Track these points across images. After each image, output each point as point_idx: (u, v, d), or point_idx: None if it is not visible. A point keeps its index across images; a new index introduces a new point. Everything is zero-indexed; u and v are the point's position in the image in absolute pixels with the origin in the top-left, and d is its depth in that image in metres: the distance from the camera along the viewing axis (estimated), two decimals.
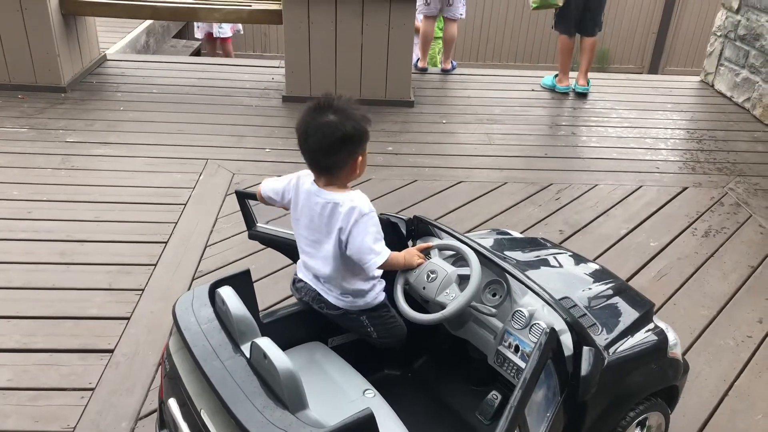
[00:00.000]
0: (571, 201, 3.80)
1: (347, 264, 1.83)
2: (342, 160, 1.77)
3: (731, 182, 4.13)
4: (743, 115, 5.28)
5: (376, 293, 1.91)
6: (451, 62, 5.99)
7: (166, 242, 3.18)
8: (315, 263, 1.89)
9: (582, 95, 5.50)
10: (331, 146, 1.73)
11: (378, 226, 1.78)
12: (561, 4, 5.19)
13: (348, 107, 1.76)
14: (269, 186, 1.96)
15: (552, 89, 5.59)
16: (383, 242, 1.80)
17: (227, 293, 1.63)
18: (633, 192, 3.94)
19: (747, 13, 5.40)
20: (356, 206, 1.75)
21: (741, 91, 5.46)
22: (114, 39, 6.73)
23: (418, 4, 5.33)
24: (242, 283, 1.83)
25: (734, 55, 5.58)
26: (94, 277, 2.90)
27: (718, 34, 5.83)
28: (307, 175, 1.86)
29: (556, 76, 5.62)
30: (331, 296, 1.89)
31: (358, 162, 1.80)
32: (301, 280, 1.97)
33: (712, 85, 5.88)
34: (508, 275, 1.88)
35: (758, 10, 5.25)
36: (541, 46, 9.09)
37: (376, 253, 1.76)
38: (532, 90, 5.62)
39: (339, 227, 1.77)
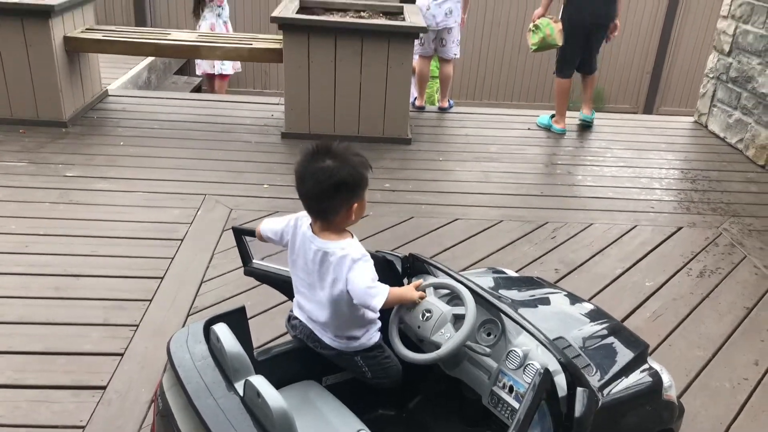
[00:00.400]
0: (567, 240, 3.82)
1: (342, 312, 1.83)
2: (336, 206, 1.76)
3: (725, 222, 4.16)
4: (736, 155, 5.35)
5: (371, 335, 1.91)
6: (448, 101, 6.08)
7: (162, 278, 3.18)
8: (310, 306, 1.89)
9: (587, 126, 5.70)
10: (325, 192, 1.73)
11: (373, 269, 1.78)
12: (561, 44, 5.29)
13: (346, 153, 1.76)
14: (268, 227, 1.96)
15: (548, 129, 5.66)
16: (382, 284, 1.78)
17: (222, 330, 1.64)
18: (628, 231, 3.96)
19: (738, 56, 5.52)
20: (347, 254, 1.75)
21: (734, 132, 5.53)
22: (116, 75, 6.82)
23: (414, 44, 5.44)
24: (237, 320, 1.84)
25: (727, 96, 5.67)
26: (88, 313, 2.89)
27: (711, 76, 5.94)
28: (305, 217, 1.87)
29: (553, 116, 5.69)
30: (326, 337, 1.89)
31: (353, 208, 1.79)
32: (296, 318, 1.97)
33: (706, 126, 5.96)
34: (502, 315, 1.88)
35: (749, 53, 5.36)
36: (537, 85, 9.23)
37: (375, 293, 1.74)
38: (528, 129, 5.69)
39: (332, 278, 1.77)
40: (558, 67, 5.52)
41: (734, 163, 5.20)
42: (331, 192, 1.74)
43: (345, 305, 1.81)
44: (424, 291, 1.93)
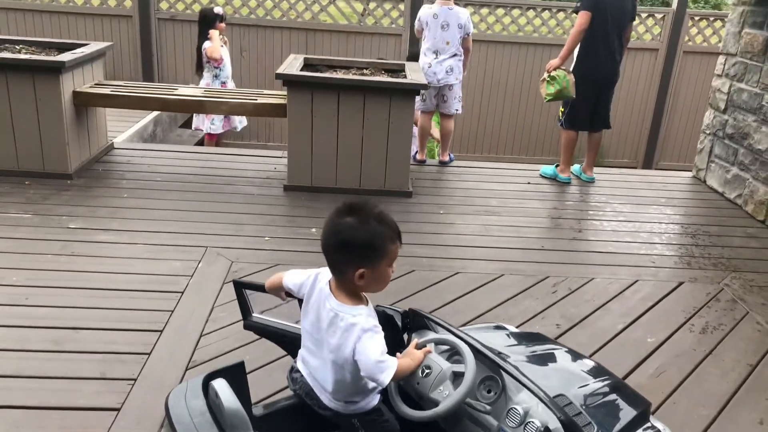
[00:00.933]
0: (568, 294, 3.81)
1: (343, 377, 1.81)
2: (341, 265, 1.74)
3: (727, 278, 4.15)
4: (736, 210, 5.38)
5: (370, 398, 1.89)
6: (449, 155, 6.17)
7: (161, 331, 3.16)
8: (315, 363, 1.88)
9: (588, 182, 5.84)
10: (333, 247, 1.73)
11: (383, 342, 1.74)
12: (574, 96, 5.45)
13: (370, 216, 1.72)
14: (291, 279, 1.92)
15: (553, 178, 5.79)
16: (391, 357, 1.74)
17: (220, 386, 1.62)
18: (629, 286, 3.95)
19: (734, 113, 5.62)
20: (357, 323, 1.71)
21: (732, 188, 5.58)
22: (122, 128, 6.95)
23: (416, 99, 5.57)
24: (236, 375, 1.83)
25: (724, 152, 5.75)
26: (86, 366, 2.87)
27: (708, 132, 6.03)
28: (326, 273, 1.86)
29: (557, 165, 5.81)
30: (324, 396, 1.88)
31: (359, 274, 1.72)
32: (298, 371, 1.96)
33: (704, 181, 6.02)
34: (503, 371, 1.87)
35: (744, 110, 5.46)
36: (537, 139, 9.35)
37: (384, 367, 1.70)
38: (528, 183, 5.75)
39: (338, 342, 1.75)
40: (568, 120, 5.67)
41: (734, 218, 5.23)
42: (336, 248, 1.73)
43: (348, 372, 1.79)
44: (425, 346, 1.92)
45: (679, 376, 3.09)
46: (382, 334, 1.76)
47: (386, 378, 1.70)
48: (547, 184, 5.74)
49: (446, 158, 6.14)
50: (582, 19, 5.30)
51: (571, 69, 5.51)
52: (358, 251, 1.71)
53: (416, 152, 6.09)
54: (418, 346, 1.92)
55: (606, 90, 5.59)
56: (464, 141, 9.16)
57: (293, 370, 1.98)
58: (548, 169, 5.90)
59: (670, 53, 9.24)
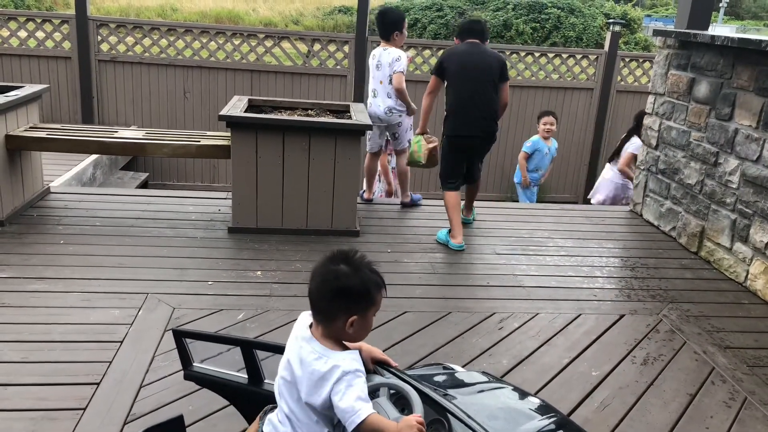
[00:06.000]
0: (514, 331, 3.85)
1: (309, 417, 1.78)
2: (334, 312, 1.75)
3: (665, 309, 4.28)
4: (671, 243, 5.58)
5: None
6: (410, 195, 6.02)
7: (98, 383, 3.03)
8: (289, 411, 1.83)
9: (466, 222, 5.53)
10: (327, 293, 1.75)
11: (364, 386, 1.74)
12: (424, 162, 5.39)
13: (362, 265, 1.78)
14: None
15: (446, 244, 5.20)
16: (369, 404, 1.73)
17: None
18: (573, 320, 4.03)
19: (665, 150, 5.87)
20: (339, 365, 1.72)
21: (667, 221, 5.80)
22: (60, 171, 6.75)
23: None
24: (174, 430, 1.76)
25: (657, 187, 5.98)
26: (15, 426, 2.70)
27: (642, 168, 6.28)
28: (307, 316, 1.85)
29: (450, 231, 5.19)
30: None
31: (351, 321, 1.75)
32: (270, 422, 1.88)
33: (641, 215, 6.24)
34: (449, 414, 1.86)
35: (674, 147, 5.72)
36: (487, 175, 9.55)
37: (353, 412, 1.68)
38: (473, 219, 5.83)
39: (317, 386, 1.72)
40: (442, 182, 5.30)
41: (669, 250, 5.42)
42: (331, 295, 1.75)
43: (315, 413, 1.77)
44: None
45: (623, 409, 3.14)
46: (363, 378, 1.75)
47: (351, 424, 1.68)
48: (491, 221, 5.83)
49: (407, 199, 5.97)
50: (430, 83, 5.19)
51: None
52: (353, 298, 1.75)
53: (363, 191, 6.12)
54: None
55: (478, 147, 5.17)
56: (413, 179, 9.29)
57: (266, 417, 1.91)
58: (442, 233, 5.26)
59: (604, 92, 9.67)
